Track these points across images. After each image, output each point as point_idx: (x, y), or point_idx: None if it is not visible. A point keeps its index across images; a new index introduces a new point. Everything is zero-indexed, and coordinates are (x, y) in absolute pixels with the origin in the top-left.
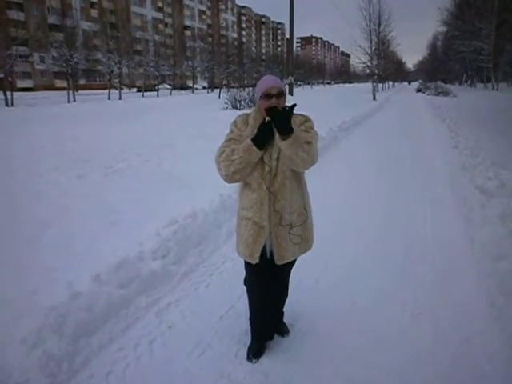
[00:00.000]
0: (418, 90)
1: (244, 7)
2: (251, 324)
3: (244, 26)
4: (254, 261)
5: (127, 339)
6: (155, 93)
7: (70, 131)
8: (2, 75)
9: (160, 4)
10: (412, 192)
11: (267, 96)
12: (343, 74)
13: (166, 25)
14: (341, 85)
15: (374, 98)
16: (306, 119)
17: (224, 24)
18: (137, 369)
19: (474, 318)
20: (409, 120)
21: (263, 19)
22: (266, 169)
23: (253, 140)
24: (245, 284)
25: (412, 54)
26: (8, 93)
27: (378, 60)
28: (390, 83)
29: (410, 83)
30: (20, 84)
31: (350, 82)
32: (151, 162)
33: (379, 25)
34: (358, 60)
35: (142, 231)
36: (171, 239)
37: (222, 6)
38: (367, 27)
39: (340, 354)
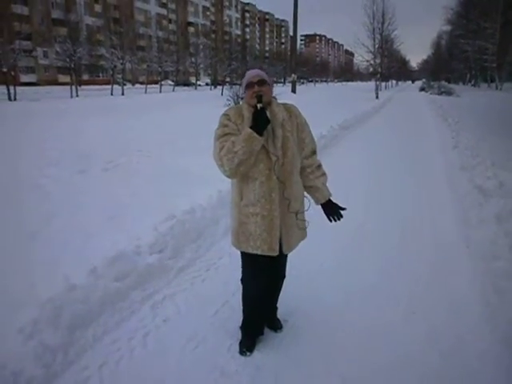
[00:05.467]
0: (421, 89)
1: (248, 4)
2: (245, 320)
3: (248, 22)
4: (275, 253)
5: (122, 332)
6: (158, 89)
7: (71, 126)
8: (5, 69)
9: (164, 0)
10: (410, 190)
11: (250, 85)
12: (347, 72)
13: (169, 21)
14: (344, 83)
15: (377, 97)
16: None
17: (228, 21)
18: (130, 361)
19: (468, 317)
20: (410, 119)
21: (267, 16)
22: (273, 159)
23: (251, 127)
24: (242, 282)
25: (416, 53)
26: (11, 87)
27: (381, 58)
28: (394, 82)
29: (413, 82)
30: (23, 79)
31: (354, 81)
32: (152, 158)
33: (383, 23)
34: (362, 58)
35: (140, 226)
36: (168, 234)
37: (226, 3)
38: (371, 25)
39: (332, 351)
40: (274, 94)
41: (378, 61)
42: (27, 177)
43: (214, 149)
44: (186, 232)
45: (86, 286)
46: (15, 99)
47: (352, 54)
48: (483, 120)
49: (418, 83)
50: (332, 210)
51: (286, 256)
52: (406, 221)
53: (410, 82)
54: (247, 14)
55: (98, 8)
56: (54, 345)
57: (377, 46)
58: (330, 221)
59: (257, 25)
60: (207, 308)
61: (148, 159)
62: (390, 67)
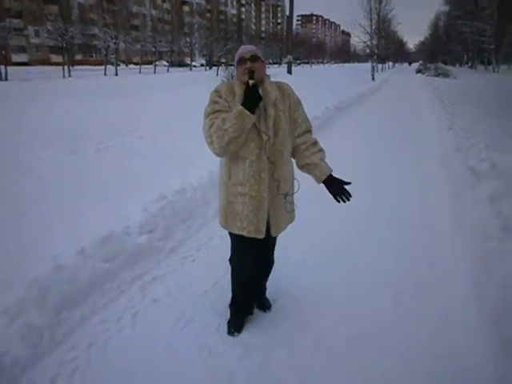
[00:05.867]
0: (418, 71)
1: None
2: (233, 299)
3: (243, 2)
4: (262, 235)
5: (110, 312)
6: (152, 69)
7: (63, 107)
8: None
9: None
10: (404, 171)
11: (241, 60)
12: (343, 53)
13: (164, 0)
14: (340, 64)
15: (373, 79)
16: None
17: (223, 0)
18: (118, 341)
19: (455, 295)
20: (406, 101)
21: None
22: (264, 138)
23: (243, 105)
24: (230, 262)
25: (413, 34)
26: (2, 67)
27: (378, 39)
28: (390, 64)
29: (410, 64)
30: (15, 58)
31: (350, 62)
32: (145, 139)
33: (380, 2)
34: (358, 39)
35: (130, 206)
36: (159, 214)
37: None
38: (368, 5)
39: (321, 328)
40: (269, 74)
41: (374, 42)
42: (18, 159)
43: (203, 126)
44: (176, 212)
45: (74, 267)
46: (6, 79)
47: (349, 35)
48: (479, 102)
49: (415, 65)
50: (336, 187)
51: (275, 239)
52: (398, 201)
53: (406, 63)
54: None
55: None
56: (41, 325)
57: (374, 26)
58: (338, 201)
59: (252, 4)
60: (197, 288)
61: (141, 140)
62: (387, 48)
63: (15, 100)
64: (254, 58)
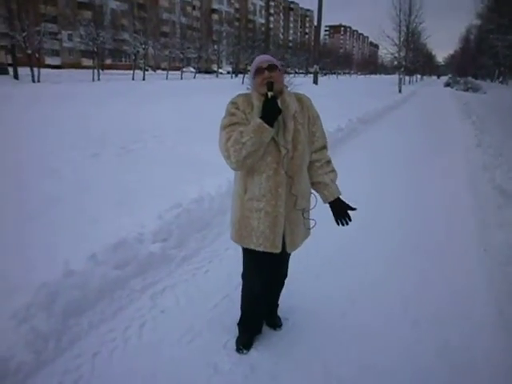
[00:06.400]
0: (447, 85)
1: None
2: (242, 317)
3: (272, 11)
4: (278, 250)
5: (118, 321)
6: (179, 75)
7: (90, 110)
8: (29, 51)
9: None
10: (429, 189)
11: (259, 70)
12: (370, 64)
13: (193, 7)
14: (367, 76)
15: (400, 91)
16: None
17: (252, 8)
18: (124, 352)
19: (478, 325)
20: (433, 115)
21: (292, 5)
22: (282, 152)
23: (262, 118)
24: (242, 278)
25: (443, 48)
26: (35, 69)
27: (406, 52)
28: (418, 76)
29: (438, 77)
30: (48, 61)
31: (377, 74)
32: (166, 144)
33: (410, 15)
34: (386, 51)
35: (145, 213)
36: (174, 222)
37: None
38: (397, 17)
39: (333, 353)
40: (295, 84)
41: (402, 54)
42: (43, 159)
43: (219, 139)
44: (191, 221)
45: (84, 272)
46: (39, 81)
47: (377, 47)
48: (509, 118)
49: (444, 78)
50: (340, 211)
51: (289, 254)
52: (421, 219)
53: (434, 77)
54: (272, 3)
55: None
56: (47, 331)
57: (402, 38)
58: (338, 224)
59: (281, 14)
60: (207, 301)
61: (162, 145)
62: (415, 61)
63: (45, 102)
64: (272, 68)
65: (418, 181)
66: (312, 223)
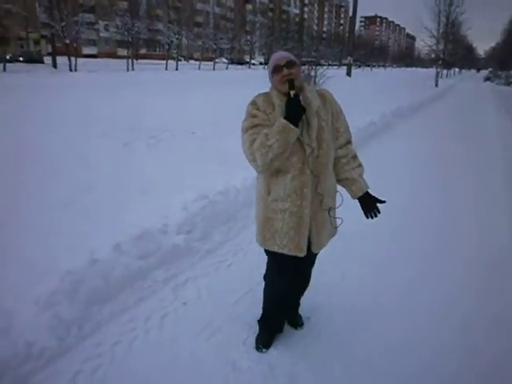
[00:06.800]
0: (487, 79)
1: None
2: (264, 315)
3: (306, 2)
4: (303, 253)
5: (139, 311)
6: (211, 66)
7: (123, 98)
8: (67, 41)
9: None
10: (465, 191)
11: (277, 68)
12: (406, 57)
13: None
14: (403, 68)
15: (437, 85)
16: None
17: None
18: (144, 343)
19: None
20: (471, 111)
21: None
22: (307, 151)
23: (286, 118)
24: (264, 279)
25: (484, 40)
26: (73, 58)
27: (444, 44)
28: (456, 70)
29: (478, 71)
30: (85, 51)
31: (413, 66)
32: (195, 136)
33: (450, 4)
34: (424, 43)
35: (171, 204)
36: (199, 214)
37: None
38: (436, 7)
39: (355, 357)
40: (327, 76)
41: (441, 46)
42: (75, 146)
43: (242, 142)
44: (217, 213)
45: (108, 261)
46: (76, 70)
47: (413, 38)
48: None
49: (484, 72)
50: (370, 205)
51: (315, 255)
52: (457, 222)
53: (474, 70)
54: None
55: None
56: (70, 318)
57: (441, 30)
58: (367, 217)
59: (316, 4)
60: (229, 295)
61: (191, 137)
62: (454, 54)
63: (80, 91)
64: (291, 64)
65: (453, 182)
66: (338, 222)
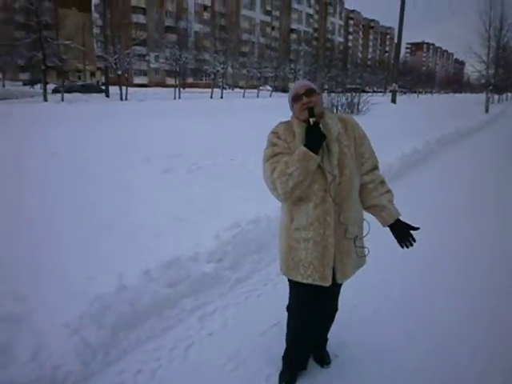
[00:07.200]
0: None
1: (353, 11)
2: (287, 351)
3: (351, 30)
4: (328, 283)
5: (165, 340)
6: (255, 93)
7: (167, 126)
8: (119, 72)
9: (269, 7)
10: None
11: (297, 97)
12: (455, 82)
13: (272, 28)
14: (451, 94)
15: (487, 111)
16: None
17: (331, 28)
18: (167, 372)
19: None
20: None
21: (372, 23)
22: (328, 178)
23: (306, 145)
24: (287, 310)
25: None
26: (124, 88)
27: (495, 69)
28: (509, 95)
29: None
30: (136, 80)
31: (462, 92)
32: (236, 162)
33: (501, 29)
34: (473, 69)
35: (204, 231)
36: (230, 243)
37: (331, 10)
38: (486, 32)
39: None
40: (371, 103)
41: (491, 71)
42: (117, 171)
43: (263, 171)
44: (248, 242)
45: (137, 288)
46: (126, 99)
47: (462, 64)
48: None
49: None
50: (402, 232)
51: (340, 286)
52: (499, 257)
53: None
54: (351, 22)
55: (206, 15)
56: (96, 343)
57: (491, 55)
58: (402, 247)
59: (360, 32)
60: (256, 326)
61: (232, 163)
62: (506, 78)
63: (129, 118)
64: (310, 92)
65: (497, 219)
66: (366, 251)
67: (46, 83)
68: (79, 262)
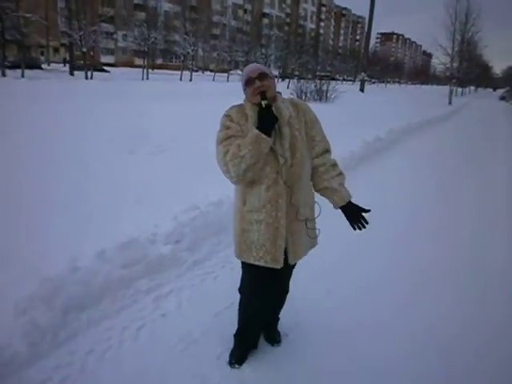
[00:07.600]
0: (502, 98)
1: None
2: (239, 330)
3: (323, 17)
4: (279, 265)
5: (117, 321)
6: (226, 77)
7: (133, 107)
8: (84, 50)
9: None
10: (464, 215)
11: (249, 81)
12: (422, 74)
13: (245, 11)
14: (418, 86)
15: (450, 103)
16: None
17: (303, 14)
18: (117, 353)
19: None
20: (483, 130)
21: (344, 11)
22: (280, 161)
23: (258, 128)
24: (240, 292)
25: (501, 59)
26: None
27: (459, 62)
28: (472, 88)
29: (494, 90)
30: (103, 59)
31: (428, 84)
32: (199, 145)
33: (466, 23)
34: (439, 61)
35: (162, 213)
36: (188, 224)
37: None
38: (452, 26)
39: (332, 377)
40: (341, 91)
41: (455, 64)
42: (80, 153)
43: (216, 154)
44: (208, 224)
45: (89, 269)
46: (91, 78)
47: (430, 56)
48: None
49: (500, 91)
50: (355, 215)
51: (292, 268)
52: (455, 238)
53: (490, 89)
54: (323, 8)
55: None
56: (45, 324)
57: (456, 48)
58: (354, 229)
59: (332, 20)
60: (210, 308)
61: (194, 145)
62: (469, 72)
63: (94, 99)
64: (263, 76)
65: (462, 204)
66: (317, 233)
67: (4, 57)
68: (31, 242)
